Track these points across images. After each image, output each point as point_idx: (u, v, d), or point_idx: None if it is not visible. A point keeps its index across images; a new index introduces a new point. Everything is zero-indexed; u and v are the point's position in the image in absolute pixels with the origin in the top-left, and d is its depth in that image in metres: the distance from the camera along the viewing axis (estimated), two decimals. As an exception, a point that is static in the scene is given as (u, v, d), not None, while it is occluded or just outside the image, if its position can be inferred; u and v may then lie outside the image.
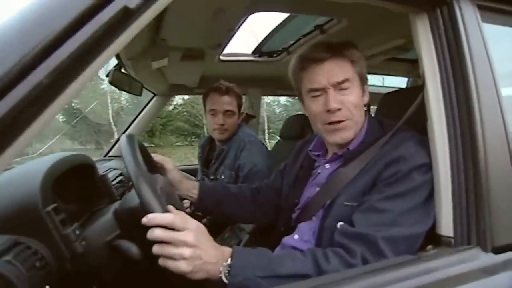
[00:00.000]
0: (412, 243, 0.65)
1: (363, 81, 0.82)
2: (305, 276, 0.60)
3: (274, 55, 1.85)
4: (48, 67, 0.36)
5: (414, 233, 0.64)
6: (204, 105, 1.57)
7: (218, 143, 1.61)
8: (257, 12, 1.20)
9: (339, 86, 0.77)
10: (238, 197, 1.04)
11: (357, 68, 0.79)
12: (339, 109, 0.76)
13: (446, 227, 0.64)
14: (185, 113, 16.97)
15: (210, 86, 1.55)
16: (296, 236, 0.81)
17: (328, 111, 0.76)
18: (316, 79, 0.78)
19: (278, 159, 1.50)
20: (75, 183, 0.85)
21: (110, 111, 14.36)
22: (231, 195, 1.04)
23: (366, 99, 0.82)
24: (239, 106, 1.57)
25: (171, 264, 0.57)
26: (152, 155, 0.96)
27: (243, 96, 1.68)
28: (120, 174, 1.39)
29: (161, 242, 0.57)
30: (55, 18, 0.38)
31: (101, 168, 1.39)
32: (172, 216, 0.58)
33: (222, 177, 1.49)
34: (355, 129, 0.79)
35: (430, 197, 0.67)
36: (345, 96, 0.77)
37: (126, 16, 0.42)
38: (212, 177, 1.59)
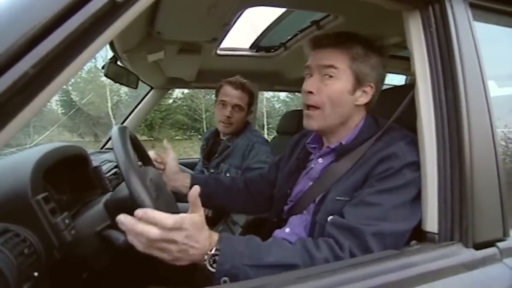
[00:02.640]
0: (399, 239, 0.66)
1: (358, 81, 0.79)
2: (293, 265, 0.60)
3: (272, 50, 1.85)
4: (34, 58, 0.37)
5: (402, 229, 0.66)
6: (216, 97, 1.60)
7: (224, 137, 1.62)
8: (252, 6, 1.20)
9: (323, 71, 0.78)
10: (230, 189, 1.05)
11: (354, 65, 0.78)
12: (311, 92, 0.79)
13: (431, 223, 0.65)
14: (184, 107, 16.93)
15: (212, 80, 1.56)
16: (287, 230, 0.82)
17: (305, 92, 0.80)
18: (310, 59, 0.82)
19: (275, 154, 1.51)
20: (68, 174, 0.86)
21: (109, 104, 14.31)
22: (224, 188, 1.04)
23: (362, 100, 0.80)
24: (250, 104, 1.58)
25: (156, 253, 0.57)
26: (150, 152, 0.97)
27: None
28: (116, 166, 1.39)
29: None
30: (42, 9, 0.38)
31: (97, 160, 1.39)
32: (173, 221, 0.55)
33: (227, 175, 1.50)
34: (324, 123, 0.80)
35: (419, 194, 0.68)
36: (325, 84, 0.78)
37: (113, 9, 0.42)
38: (212, 171, 1.60)
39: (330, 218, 0.71)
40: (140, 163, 0.91)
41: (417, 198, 0.68)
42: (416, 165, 0.69)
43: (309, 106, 0.80)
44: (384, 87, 1.10)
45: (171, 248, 0.56)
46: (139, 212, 0.55)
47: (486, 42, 0.72)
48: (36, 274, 0.52)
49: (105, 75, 1.37)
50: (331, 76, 0.78)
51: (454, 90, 0.66)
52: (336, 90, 0.78)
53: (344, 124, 0.82)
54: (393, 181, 0.67)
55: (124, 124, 2.03)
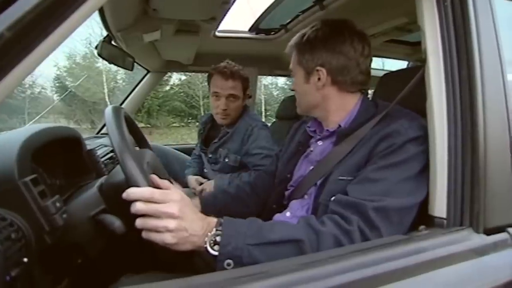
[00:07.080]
0: (404, 215, 0.64)
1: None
2: (297, 241, 0.58)
3: (272, 32, 1.79)
4: (10, 18, 0.32)
5: (406, 204, 0.63)
6: (208, 85, 1.52)
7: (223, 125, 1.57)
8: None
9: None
10: (239, 197, 1.03)
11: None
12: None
13: (439, 208, 0.63)
14: (181, 94, 16.74)
15: (210, 64, 1.48)
16: (288, 214, 0.81)
17: None
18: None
19: (274, 139, 1.49)
20: (61, 157, 0.83)
21: (105, 90, 14.11)
22: (233, 197, 1.02)
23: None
24: (244, 89, 1.51)
25: (156, 237, 0.55)
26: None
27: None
28: (111, 151, 1.36)
29: (145, 215, 0.55)
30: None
31: (92, 144, 1.36)
32: (150, 191, 0.56)
33: (226, 160, 1.48)
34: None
35: (424, 170, 0.66)
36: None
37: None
38: (210, 156, 1.58)
39: (333, 198, 0.69)
40: (137, 148, 0.88)
41: (422, 173, 0.66)
42: (419, 140, 0.67)
43: None
44: (384, 73, 1.06)
45: (169, 225, 0.55)
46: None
47: (505, 20, 0.67)
48: (25, 259, 0.50)
49: (99, 55, 1.31)
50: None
51: (469, 69, 0.62)
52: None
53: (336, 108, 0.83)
54: (396, 156, 0.66)
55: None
